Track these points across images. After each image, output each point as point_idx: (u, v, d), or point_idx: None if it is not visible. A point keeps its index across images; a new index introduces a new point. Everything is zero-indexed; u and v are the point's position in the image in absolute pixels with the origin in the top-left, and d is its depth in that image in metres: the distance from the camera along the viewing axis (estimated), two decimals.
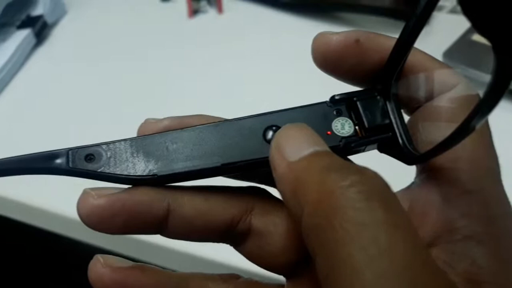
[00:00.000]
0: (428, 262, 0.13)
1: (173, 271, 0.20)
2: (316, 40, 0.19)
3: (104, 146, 0.19)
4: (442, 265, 0.16)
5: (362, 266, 0.13)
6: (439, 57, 0.52)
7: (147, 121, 0.21)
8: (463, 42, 0.54)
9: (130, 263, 0.19)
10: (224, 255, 0.37)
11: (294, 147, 0.16)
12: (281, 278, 0.20)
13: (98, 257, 0.19)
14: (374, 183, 0.14)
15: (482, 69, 0.48)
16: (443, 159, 0.17)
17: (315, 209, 0.14)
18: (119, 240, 0.40)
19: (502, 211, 0.17)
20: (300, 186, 0.15)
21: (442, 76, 0.18)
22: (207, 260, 0.38)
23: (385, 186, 0.15)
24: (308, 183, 0.15)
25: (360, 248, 0.13)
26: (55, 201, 0.43)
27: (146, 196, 0.18)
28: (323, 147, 0.16)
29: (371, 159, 0.22)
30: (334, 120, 0.20)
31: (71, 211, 0.42)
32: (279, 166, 0.16)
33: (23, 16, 0.59)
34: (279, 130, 0.17)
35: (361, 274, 0.13)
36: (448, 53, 0.52)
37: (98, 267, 0.18)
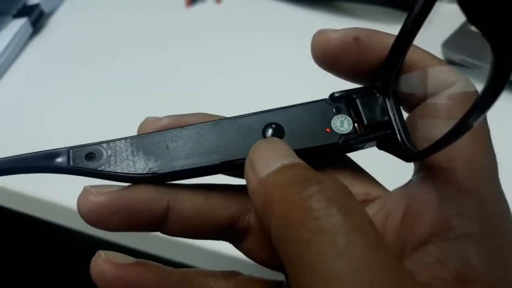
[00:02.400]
0: (389, 262, 0.14)
1: (175, 267, 0.20)
2: (316, 37, 0.19)
3: (104, 145, 0.19)
4: (435, 262, 0.16)
5: (322, 271, 0.13)
6: (438, 47, 0.51)
7: (147, 120, 0.21)
8: (462, 32, 0.53)
9: (132, 259, 0.19)
10: (227, 246, 0.38)
11: (263, 163, 0.16)
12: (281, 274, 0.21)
13: (100, 253, 0.19)
14: (333, 191, 0.15)
15: (481, 59, 0.48)
16: (440, 157, 0.17)
17: (280, 222, 0.15)
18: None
19: (499, 210, 0.17)
20: (267, 201, 0.15)
21: (441, 73, 0.19)
22: (210, 251, 0.39)
23: (344, 192, 0.15)
24: (274, 198, 0.15)
25: (319, 254, 0.13)
26: (58, 192, 0.43)
27: (145, 194, 0.18)
28: (290, 159, 0.16)
29: (370, 156, 0.22)
30: (334, 118, 0.20)
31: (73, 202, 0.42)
32: (251, 182, 0.17)
33: (19, 5, 0.59)
34: (253, 146, 0.17)
35: (322, 279, 0.13)
36: (447, 43, 0.52)
37: (100, 263, 0.18)
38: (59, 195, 0.42)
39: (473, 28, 0.56)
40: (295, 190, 0.15)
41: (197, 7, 0.62)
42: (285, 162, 0.16)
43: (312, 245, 0.14)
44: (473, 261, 0.16)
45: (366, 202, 0.20)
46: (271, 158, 0.16)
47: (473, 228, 0.16)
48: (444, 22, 0.53)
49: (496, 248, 0.16)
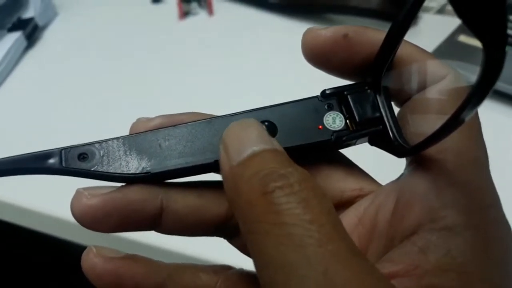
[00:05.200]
0: (344, 252, 0.14)
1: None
2: (305, 35, 0.20)
3: (97, 145, 0.19)
4: (417, 251, 0.16)
5: (279, 261, 0.14)
6: None
7: (139, 120, 0.21)
8: (450, 42, 0.55)
9: (123, 253, 0.19)
10: (214, 253, 0.38)
11: (236, 148, 0.16)
12: None
13: (91, 247, 0.19)
14: (294, 186, 0.15)
15: (468, 69, 0.49)
16: (431, 150, 0.17)
17: (245, 215, 0.15)
18: (109, 240, 0.41)
19: (488, 202, 0.17)
20: (236, 192, 0.16)
21: (431, 67, 0.19)
22: (198, 259, 0.39)
23: (307, 187, 0.15)
24: (241, 190, 0.15)
25: (277, 245, 0.14)
26: (48, 202, 0.43)
27: (139, 195, 0.18)
28: (260, 145, 0.16)
29: (363, 152, 0.22)
30: (326, 114, 0.20)
31: (63, 213, 0.42)
32: (223, 169, 0.16)
33: (14, 19, 0.59)
34: (227, 127, 0.17)
35: (278, 268, 0.14)
36: (435, 54, 0.53)
37: (90, 257, 0.18)
38: (49, 205, 0.42)
39: (460, 39, 0.57)
40: (259, 185, 0.15)
41: (190, 20, 0.63)
42: (256, 149, 0.16)
43: (272, 237, 0.14)
44: (454, 252, 0.16)
45: (359, 197, 0.20)
46: (242, 143, 0.16)
47: (459, 220, 0.16)
48: (432, 33, 0.54)
49: (481, 240, 0.16)
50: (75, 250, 0.40)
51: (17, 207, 0.44)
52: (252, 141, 0.16)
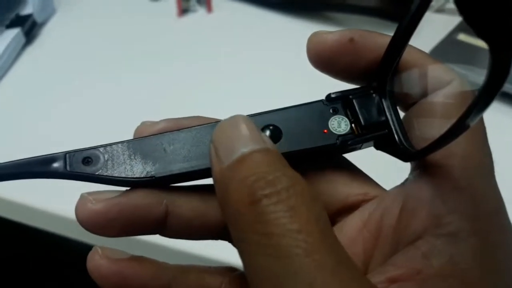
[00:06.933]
0: (332, 262, 0.14)
1: None
2: (311, 39, 0.20)
3: (101, 149, 0.19)
4: (420, 257, 0.16)
5: (267, 272, 0.14)
6: None
7: (143, 124, 0.21)
8: (449, 41, 0.55)
9: (128, 254, 0.19)
10: (219, 252, 0.38)
11: (226, 149, 0.16)
12: None
13: (97, 248, 0.19)
14: (282, 194, 0.15)
15: (467, 67, 0.49)
16: (436, 155, 0.17)
17: (234, 223, 0.15)
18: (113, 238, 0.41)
19: (493, 208, 0.17)
20: (225, 198, 0.15)
21: (436, 72, 0.19)
22: (203, 257, 0.39)
23: (295, 193, 0.15)
24: (230, 197, 0.15)
25: (265, 256, 0.14)
26: (48, 199, 0.43)
27: (143, 199, 0.18)
28: (250, 146, 0.16)
29: (367, 157, 0.22)
30: (331, 119, 0.20)
31: (63, 209, 0.42)
32: (214, 170, 0.16)
33: (12, 16, 0.59)
34: (217, 126, 0.17)
35: (266, 279, 0.14)
36: (434, 52, 0.53)
37: (96, 258, 0.19)
38: (49, 202, 0.42)
39: (460, 37, 0.57)
40: (247, 193, 0.15)
41: (189, 17, 0.63)
42: (245, 150, 0.16)
43: (260, 247, 0.14)
44: (457, 258, 0.16)
45: (364, 202, 0.20)
46: (232, 143, 0.16)
47: (464, 226, 0.16)
48: (431, 31, 0.54)
49: (485, 247, 0.16)
50: (74, 247, 0.40)
51: (13, 203, 0.44)
52: (241, 141, 0.16)
